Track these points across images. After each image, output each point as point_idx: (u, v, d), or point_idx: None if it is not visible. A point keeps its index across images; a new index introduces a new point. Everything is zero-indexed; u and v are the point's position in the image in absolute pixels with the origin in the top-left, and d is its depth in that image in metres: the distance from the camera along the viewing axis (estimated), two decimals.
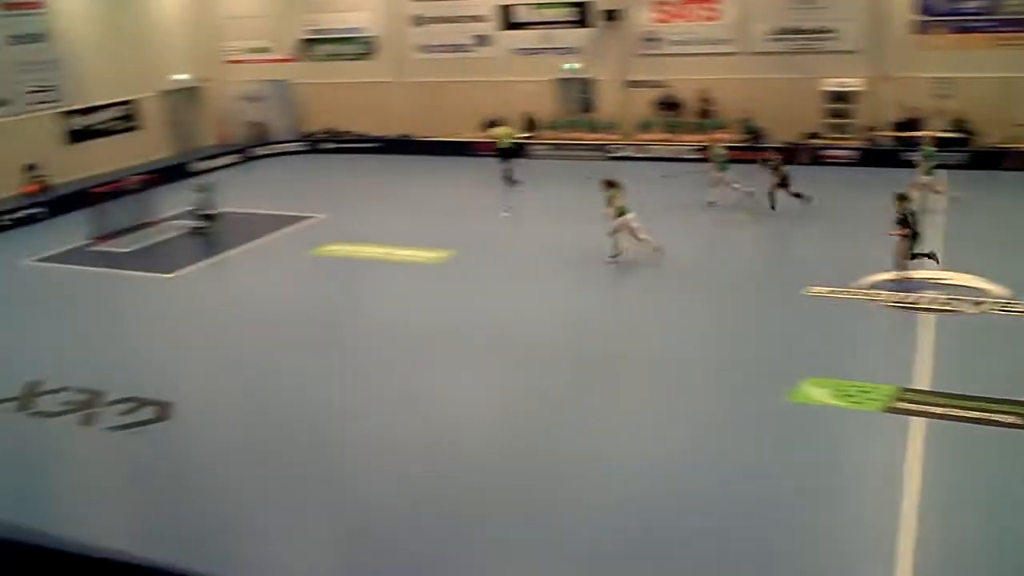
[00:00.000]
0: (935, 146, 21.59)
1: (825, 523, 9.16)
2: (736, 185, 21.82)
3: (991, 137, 25.54)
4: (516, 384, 12.90)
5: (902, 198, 16.15)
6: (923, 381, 12.06)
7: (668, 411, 11.89)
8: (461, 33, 31.49)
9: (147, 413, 12.33)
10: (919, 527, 8.85)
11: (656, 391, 12.49)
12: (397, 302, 16.63)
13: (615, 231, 18.02)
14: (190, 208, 21.70)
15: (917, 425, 10.86)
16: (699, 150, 26.99)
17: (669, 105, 29.00)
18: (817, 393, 11.92)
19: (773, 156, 21.94)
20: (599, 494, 9.83)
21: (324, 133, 33.53)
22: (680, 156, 27.91)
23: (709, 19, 28.38)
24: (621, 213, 17.90)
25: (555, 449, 10.92)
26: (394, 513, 9.74)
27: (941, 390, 11.69)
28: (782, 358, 13.12)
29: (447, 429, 11.68)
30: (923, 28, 26.17)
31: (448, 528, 9.43)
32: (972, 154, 25.18)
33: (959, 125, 25.67)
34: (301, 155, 32.63)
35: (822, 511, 9.33)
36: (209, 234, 21.25)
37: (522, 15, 30.58)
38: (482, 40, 31.27)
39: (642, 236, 17.79)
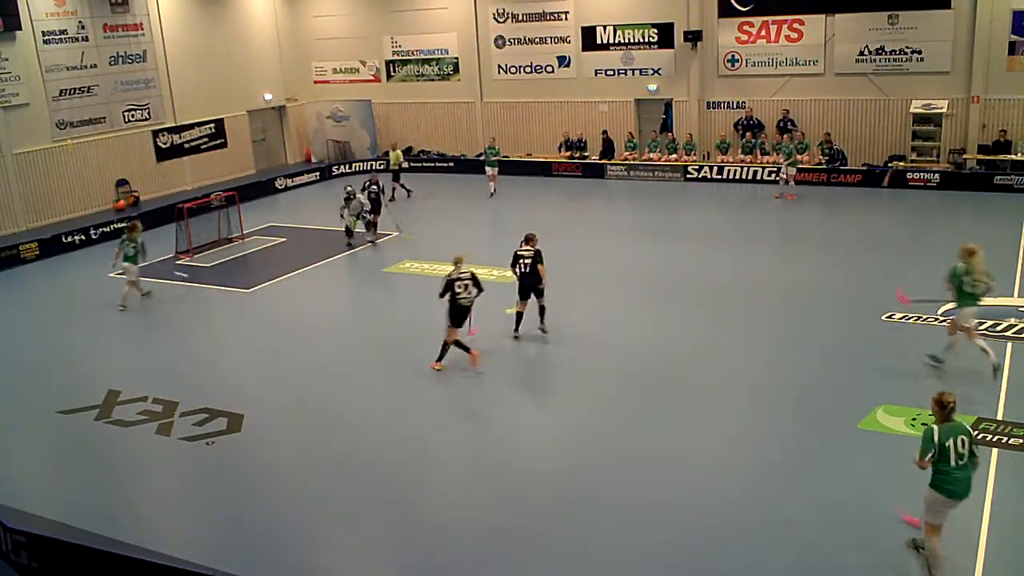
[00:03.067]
0: None
1: (890, 553, 8.90)
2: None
3: None
4: (587, 410, 12.85)
5: None
6: (1002, 411, 11.69)
7: (736, 437, 11.75)
8: (543, 54, 31.75)
9: (219, 424, 12.69)
10: (986, 561, 8.63)
11: (725, 416, 12.34)
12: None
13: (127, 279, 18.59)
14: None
15: (993, 456, 10.51)
16: (778, 171, 26.72)
17: (749, 126, 28.69)
18: (890, 421, 11.64)
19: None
20: (662, 521, 9.81)
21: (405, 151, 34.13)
22: (758, 178, 27.65)
23: (793, 40, 28.04)
24: (127, 259, 18.37)
25: (625, 474, 10.89)
26: (460, 536, 9.84)
27: (1021, 421, 11.30)
28: (856, 385, 12.82)
29: (516, 449, 11.76)
30: (1017, 49, 25.40)
31: (513, 542, 9.52)
32: None
33: None
34: (380, 173, 33.17)
35: (886, 541, 9.07)
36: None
37: (604, 36, 30.68)
38: (563, 61, 31.47)
39: (140, 288, 18.77)
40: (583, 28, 30.84)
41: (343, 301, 19.26)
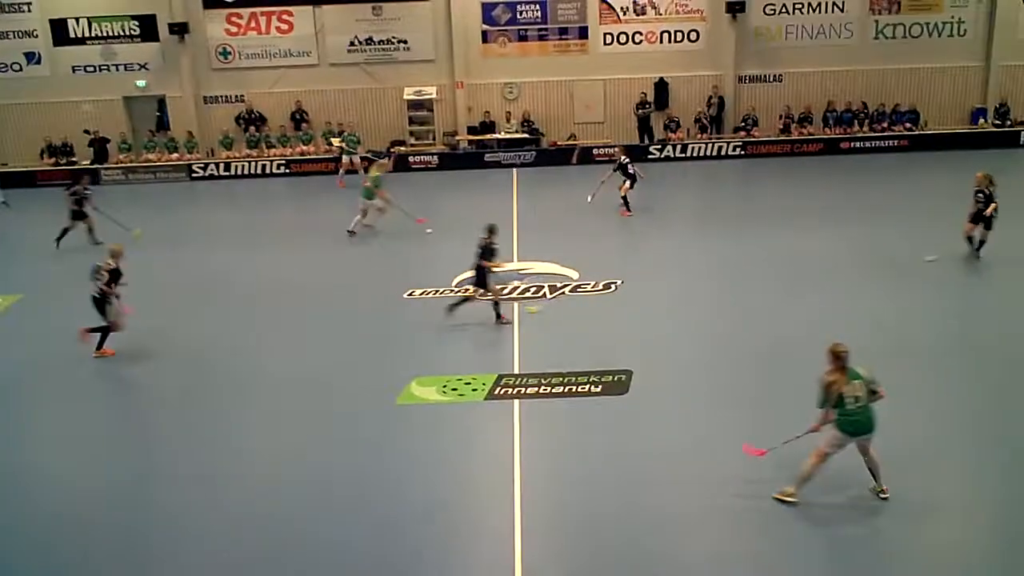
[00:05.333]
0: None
1: (442, 516, 9.05)
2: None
3: (557, 135, 27.86)
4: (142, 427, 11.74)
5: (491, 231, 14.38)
6: (517, 366, 12.53)
7: (276, 428, 11.28)
8: (6, 51, 28.01)
9: None
10: (525, 499, 9.14)
11: (265, 406, 11.87)
12: None
13: None
14: None
15: (517, 407, 11.21)
16: (286, 164, 26.60)
17: (251, 120, 28.03)
18: (424, 392, 11.90)
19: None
20: (219, 508, 9.37)
21: None
22: (268, 172, 27.19)
23: (284, 31, 27.87)
24: None
25: (176, 470, 10.28)
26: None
27: (533, 372, 12.21)
28: (386, 363, 12.92)
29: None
30: (489, 38, 27.78)
31: None
32: (541, 152, 27.34)
33: (528, 126, 27.61)
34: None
35: (434, 506, 9.19)
36: None
37: (78, 30, 27.88)
38: (33, 58, 28.09)
39: None
40: (52, 21, 27.75)
41: None
